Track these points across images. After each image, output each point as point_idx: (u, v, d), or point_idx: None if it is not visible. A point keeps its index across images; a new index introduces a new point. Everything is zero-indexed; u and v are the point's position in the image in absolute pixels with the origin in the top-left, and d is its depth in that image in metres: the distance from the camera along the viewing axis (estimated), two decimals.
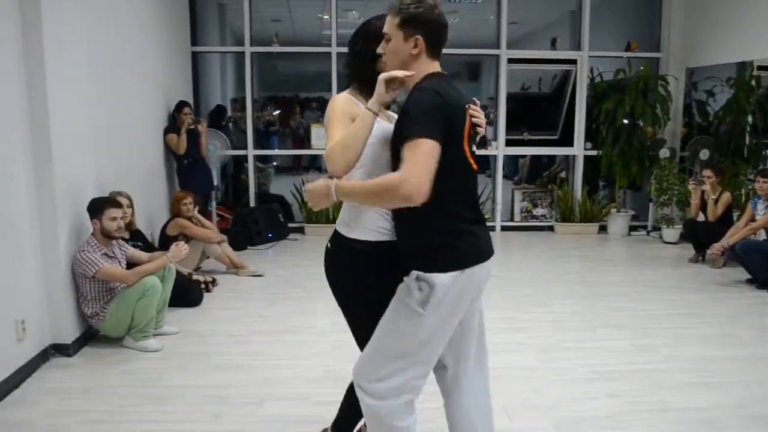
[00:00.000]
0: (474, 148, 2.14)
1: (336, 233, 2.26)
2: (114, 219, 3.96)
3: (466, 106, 2.08)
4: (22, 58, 3.58)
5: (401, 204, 1.89)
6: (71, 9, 3.96)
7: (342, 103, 2.14)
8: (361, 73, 2.22)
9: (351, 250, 2.20)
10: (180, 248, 4.14)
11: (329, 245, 2.27)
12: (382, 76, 2.02)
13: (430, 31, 2.03)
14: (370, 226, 2.17)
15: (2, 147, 3.40)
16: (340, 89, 8.94)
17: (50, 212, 3.75)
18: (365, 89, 2.16)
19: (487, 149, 8.05)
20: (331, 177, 2.02)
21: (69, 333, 3.89)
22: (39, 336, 3.73)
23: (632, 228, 7.98)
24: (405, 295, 2.06)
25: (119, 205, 4.10)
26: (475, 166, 2.14)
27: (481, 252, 2.24)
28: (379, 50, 2.09)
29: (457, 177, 2.04)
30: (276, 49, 7.89)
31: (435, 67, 2.09)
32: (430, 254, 2.06)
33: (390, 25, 2.05)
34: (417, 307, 2.04)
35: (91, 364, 3.80)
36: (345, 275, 2.26)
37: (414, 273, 2.04)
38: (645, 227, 8.03)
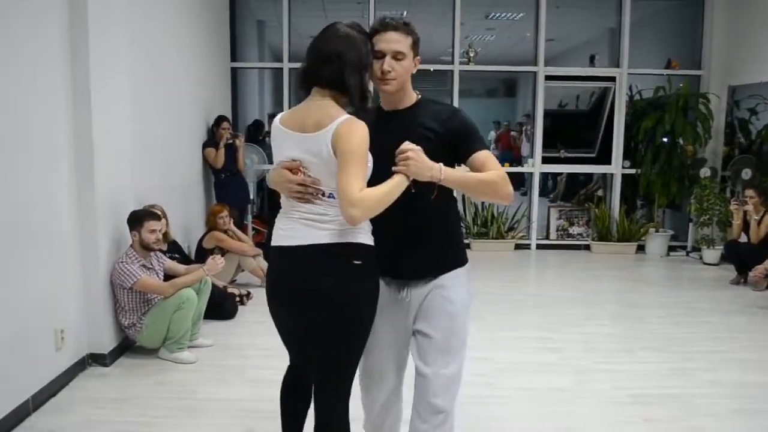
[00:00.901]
0: None
1: (349, 245, 2.06)
2: (153, 231, 4.04)
3: None
4: (69, 73, 3.69)
5: (499, 200, 2.25)
6: (115, 24, 4.07)
7: (365, 133, 1.98)
8: (352, 84, 2.06)
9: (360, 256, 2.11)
10: (216, 261, 4.20)
11: (355, 262, 2.06)
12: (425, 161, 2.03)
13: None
14: (368, 228, 2.13)
15: (46, 159, 3.50)
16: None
17: (91, 224, 3.84)
18: (346, 99, 2.09)
19: None
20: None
21: (106, 343, 3.97)
22: (77, 345, 3.80)
23: (671, 248, 7.83)
24: (466, 297, 2.30)
25: (158, 218, 4.18)
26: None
27: None
28: (386, 67, 2.09)
29: None
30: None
31: None
32: (460, 250, 2.35)
33: (404, 45, 2.13)
34: (469, 301, 2.31)
35: (127, 375, 3.86)
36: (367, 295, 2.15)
37: (458, 271, 2.27)
38: (684, 248, 7.86)
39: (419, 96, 2.23)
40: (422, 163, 2.00)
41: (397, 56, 2.10)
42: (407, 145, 2.01)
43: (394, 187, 1.99)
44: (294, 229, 2.09)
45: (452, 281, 2.25)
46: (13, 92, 3.18)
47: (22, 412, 3.21)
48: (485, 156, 2.15)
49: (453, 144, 2.14)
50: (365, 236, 2.09)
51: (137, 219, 4.07)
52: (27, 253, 3.29)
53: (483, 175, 2.12)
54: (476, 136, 2.19)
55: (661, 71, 7.96)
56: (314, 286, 2.06)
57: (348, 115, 2.01)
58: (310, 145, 2.02)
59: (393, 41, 2.11)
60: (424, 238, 2.21)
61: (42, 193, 3.44)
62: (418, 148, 2.02)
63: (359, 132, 1.97)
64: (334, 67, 2.02)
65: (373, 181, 1.99)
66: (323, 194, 2.05)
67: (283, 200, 2.17)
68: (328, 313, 2.07)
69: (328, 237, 2.05)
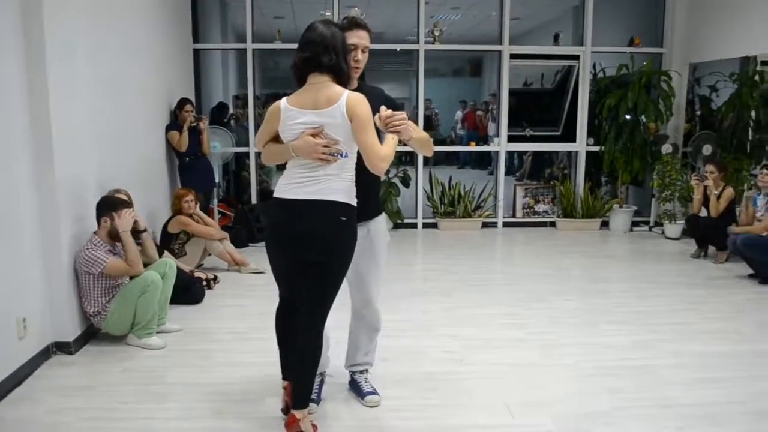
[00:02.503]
0: None
1: (343, 205, 2.65)
2: (132, 218, 4.03)
3: None
4: (23, 55, 3.58)
5: (429, 153, 3.18)
6: (72, 5, 3.96)
7: (367, 102, 2.58)
8: (344, 69, 2.66)
9: (354, 216, 2.71)
10: (124, 215, 4.00)
11: (343, 218, 2.64)
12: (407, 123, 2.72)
13: None
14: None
15: (3, 145, 3.40)
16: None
17: (52, 210, 3.76)
18: (338, 80, 2.64)
19: None
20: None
21: (70, 331, 3.90)
22: (41, 334, 3.74)
23: (634, 224, 7.98)
24: (385, 233, 3.12)
25: (130, 206, 4.11)
26: None
27: None
28: (359, 57, 2.82)
29: None
30: (278, 45, 7.88)
31: None
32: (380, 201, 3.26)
33: (368, 41, 2.87)
34: (388, 237, 3.18)
35: (93, 362, 3.81)
36: (353, 242, 2.75)
37: (383, 216, 3.14)
38: (647, 223, 8.02)
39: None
40: (408, 126, 2.69)
41: (364, 50, 2.84)
42: (394, 112, 2.65)
43: (395, 145, 2.66)
44: (301, 185, 2.65)
45: (378, 223, 3.08)
46: None
47: None
48: (414, 124, 2.84)
49: None
50: (353, 198, 2.70)
51: (110, 205, 4.00)
52: None
53: (425, 135, 3.00)
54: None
55: (624, 49, 8.04)
56: (317, 233, 2.63)
57: (349, 90, 2.61)
58: (326, 117, 2.57)
59: (363, 38, 2.83)
60: (375, 189, 3.09)
61: (0, 181, 3.35)
62: (403, 113, 2.67)
63: (365, 101, 2.57)
64: (332, 56, 2.59)
65: None
66: (341, 154, 2.60)
67: (291, 162, 2.70)
68: (325, 257, 2.65)
69: (330, 195, 2.62)
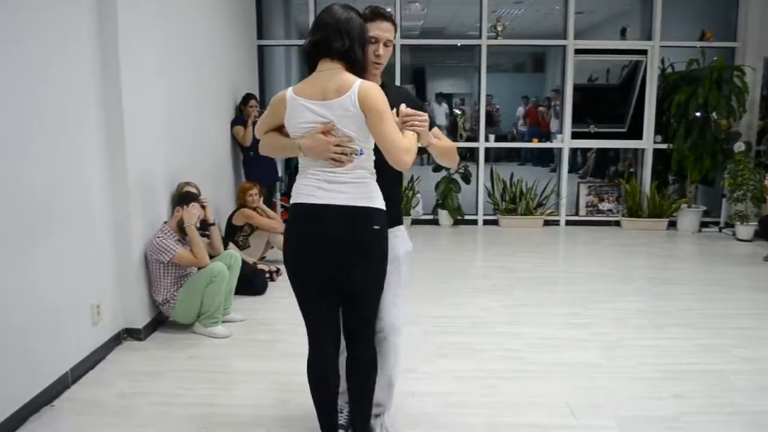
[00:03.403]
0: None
1: (376, 210, 2.34)
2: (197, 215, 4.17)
3: None
4: (98, 53, 3.73)
5: (451, 164, 2.83)
6: (144, 6, 4.10)
7: (382, 91, 2.27)
8: (359, 58, 2.35)
9: (386, 223, 2.40)
10: (191, 210, 4.17)
11: (378, 227, 2.34)
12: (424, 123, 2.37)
13: None
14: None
15: (78, 138, 3.55)
16: (403, 81, 8.83)
17: (123, 200, 3.90)
18: (354, 72, 2.33)
19: None
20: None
21: (140, 318, 4.05)
22: (113, 320, 3.89)
23: (703, 224, 7.72)
24: (407, 242, 2.69)
25: (203, 204, 4.32)
26: None
27: None
28: (380, 52, 2.47)
29: None
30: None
31: None
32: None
33: (392, 34, 2.51)
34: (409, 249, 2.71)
35: (161, 349, 3.95)
36: (387, 252, 2.45)
37: (403, 228, 2.70)
38: (717, 224, 7.75)
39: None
40: (428, 128, 2.40)
41: (387, 43, 2.50)
42: (415, 111, 2.36)
43: (416, 140, 2.35)
44: (320, 190, 2.33)
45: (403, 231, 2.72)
46: (42, 74, 3.22)
47: (62, 385, 3.31)
48: (438, 132, 2.65)
49: None
50: (382, 201, 2.38)
51: (183, 198, 4.23)
52: (62, 231, 3.36)
53: (449, 144, 2.68)
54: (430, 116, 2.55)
55: (695, 43, 7.78)
56: (352, 237, 2.32)
57: (362, 79, 2.28)
58: (336, 109, 2.25)
59: (386, 30, 2.49)
60: (399, 192, 2.75)
61: (75, 171, 3.50)
62: (425, 114, 2.38)
63: (380, 90, 2.26)
64: (344, 41, 2.28)
65: None
66: (356, 153, 2.29)
67: (303, 163, 2.40)
68: (363, 260, 2.36)
69: (355, 200, 2.31)
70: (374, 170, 2.37)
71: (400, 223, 2.69)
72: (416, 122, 2.33)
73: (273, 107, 2.40)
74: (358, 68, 2.33)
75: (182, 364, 3.72)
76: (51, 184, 3.25)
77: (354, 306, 2.46)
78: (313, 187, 2.33)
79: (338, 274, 2.37)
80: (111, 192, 3.86)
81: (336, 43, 2.28)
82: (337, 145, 2.26)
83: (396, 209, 2.65)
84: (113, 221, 3.89)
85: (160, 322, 4.28)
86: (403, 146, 2.24)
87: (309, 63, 2.36)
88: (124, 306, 4.00)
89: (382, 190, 2.38)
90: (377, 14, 2.49)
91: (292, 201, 2.40)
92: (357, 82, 2.24)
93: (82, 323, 3.57)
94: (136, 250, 4.01)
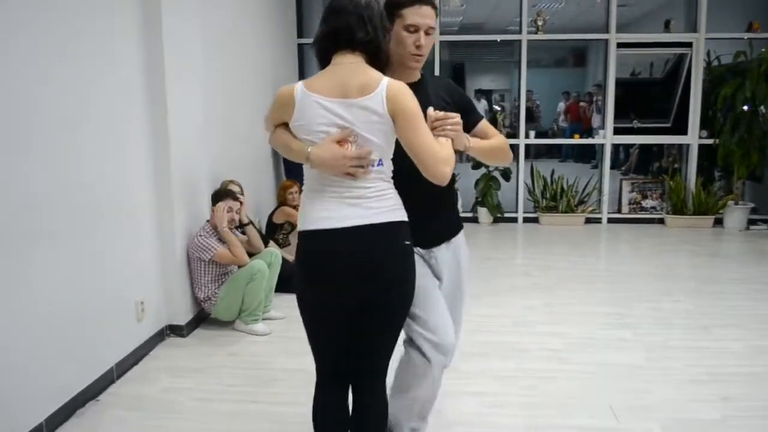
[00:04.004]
0: None
1: (402, 225, 2.01)
2: (230, 210, 4.20)
3: None
4: (144, 53, 3.80)
5: (504, 163, 2.52)
6: (187, 6, 4.15)
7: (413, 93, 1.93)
8: (383, 49, 2.01)
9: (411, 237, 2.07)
10: (219, 209, 4.19)
11: (406, 243, 2.01)
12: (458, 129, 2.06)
13: None
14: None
15: (124, 138, 3.62)
16: (442, 75, 8.85)
17: (167, 199, 3.97)
18: (377, 67, 1.99)
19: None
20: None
21: (183, 315, 4.12)
22: (156, 317, 3.97)
23: (751, 221, 7.50)
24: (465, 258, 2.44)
25: (237, 199, 4.33)
26: None
27: None
28: (422, 42, 2.14)
29: None
30: None
31: None
32: (458, 211, 2.52)
33: (434, 21, 2.17)
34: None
35: (203, 345, 4.01)
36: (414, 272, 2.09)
37: (462, 230, 2.45)
38: (766, 221, 7.52)
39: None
40: (461, 131, 2.08)
41: (429, 31, 2.15)
42: (446, 113, 2.03)
43: (451, 148, 2.02)
44: (338, 210, 1.95)
45: (461, 240, 2.45)
46: (90, 72, 3.29)
47: (107, 380, 3.38)
48: (486, 125, 2.37)
49: (461, 114, 2.12)
50: (405, 213, 2.04)
51: (216, 196, 4.26)
52: (108, 227, 3.43)
53: (494, 142, 2.34)
54: (475, 107, 2.39)
55: (742, 35, 7.56)
56: (374, 262, 1.96)
57: (386, 77, 1.93)
58: (359, 111, 1.89)
59: (427, 16, 2.14)
60: (441, 204, 2.33)
61: (120, 169, 3.57)
62: (457, 115, 2.05)
63: (410, 91, 1.92)
64: (368, 30, 1.94)
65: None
66: (373, 164, 1.94)
67: (311, 176, 2.02)
68: (390, 293, 2.02)
69: (380, 216, 1.96)
70: (392, 179, 2.03)
71: (461, 227, 2.46)
72: (447, 126, 2.00)
73: (279, 105, 2.02)
74: (383, 63, 2.01)
75: (223, 360, 3.77)
76: (99, 183, 3.33)
77: (372, 347, 2.11)
78: (331, 209, 1.96)
79: (361, 309, 2.02)
80: (156, 191, 3.93)
81: (359, 33, 1.93)
82: (356, 158, 1.90)
83: (455, 211, 2.50)
84: (158, 219, 3.96)
85: (201, 318, 4.35)
86: (442, 156, 1.92)
87: (322, 57, 2.02)
88: (167, 303, 4.06)
89: (429, 199, 2.16)
90: None
91: (303, 227, 2.01)
92: (384, 80, 1.90)
93: (127, 319, 3.65)
94: (179, 248, 4.08)
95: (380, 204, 1.96)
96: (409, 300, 2.07)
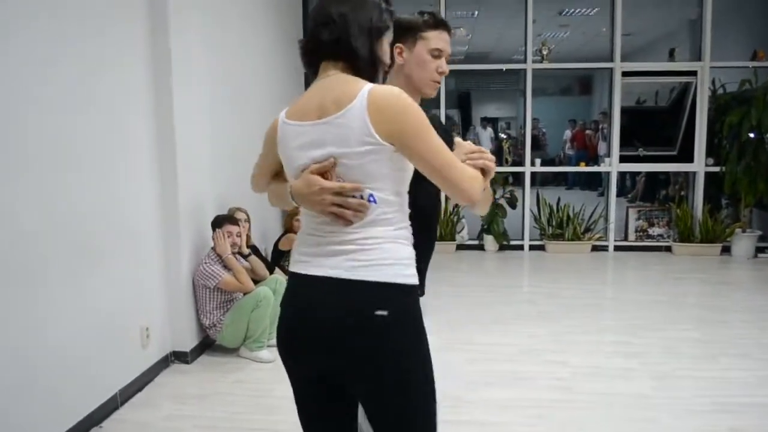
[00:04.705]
0: None
1: (387, 287, 1.52)
2: (230, 235, 4.18)
3: None
4: (153, 81, 3.86)
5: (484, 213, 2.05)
6: (193, 31, 4.22)
7: (410, 98, 1.54)
8: (370, 54, 1.62)
9: (415, 301, 1.59)
10: (218, 236, 4.20)
11: (383, 312, 1.50)
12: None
13: None
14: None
15: (132, 164, 3.67)
16: (449, 105, 8.82)
17: (173, 226, 4.00)
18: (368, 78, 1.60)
19: None
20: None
21: (188, 342, 4.12)
22: (161, 343, 3.97)
23: (759, 249, 7.46)
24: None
25: (236, 222, 4.32)
26: None
27: None
28: (445, 68, 1.95)
29: None
30: None
31: None
32: None
33: (449, 45, 1.98)
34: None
35: (207, 372, 4.00)
36: (420, 338, 1.61)
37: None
38: None
39: None
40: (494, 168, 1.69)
41: (448, 58, 2.00)
42: (481, 148, 1.68)
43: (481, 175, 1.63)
44: (319, 252, 1.58)
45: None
46: (99, 101, 3.34)
47: (110, 406, 3.37)
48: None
49: None
50: (408, 273, 1.57)
51: (218, 222, 4.25)
52: (115, 254, 3.46)
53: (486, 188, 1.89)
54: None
55: (747, 63, 7.60)
56: (334, 330, 1.53)
57: (373, 84, 1.55)
58: (337, 132, 1.51)
59: (449, 43, 1.99)
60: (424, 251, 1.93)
61: (128, 196, 3.61)
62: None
63: (407, 99, 1.51)
64: (335, 28, 1.57)
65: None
66: (363, 198, 1.53)
67: (303, 216, 1.68)
68: (372, 383, 1.57)
69: (360, 272, 1.52)
70: (408, 227, 1.61)
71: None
72: (486, 159, 1.63)
73: (266, 141, 1.76)
74: (369, 71, 1.60)
75: (228, 387, 3.76)
76: (106, 210, 3.36)
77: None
78: (304, 251, 1.62)
79: (343, 384, 1.63)
80: (163, 217, 3.96)
81: (323, 35, 1.58)
82: (337, 194, 1.52)
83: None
84: (164, 246, 3.98)
85: (206, 345, 4.34)
86: (469, 173, 1.55)
87: (310, 71, 1.68)
88: (172, 329, 4.07)
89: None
90: (441, 23, 1.94)
91: (290, 267, 1.69)
92: (366, 87, 1.50)
93: (132, 345, 3.65)
94: (185, 275, 4.09)
95: (360, 256, 1.53)
96: (405, 387, 1.56)
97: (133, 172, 3.67)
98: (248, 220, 4.73)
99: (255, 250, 4.88)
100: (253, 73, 5.72)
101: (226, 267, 4.18)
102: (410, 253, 1.59)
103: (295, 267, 1.63)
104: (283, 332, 1.65)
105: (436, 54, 1.94)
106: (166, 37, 3.86)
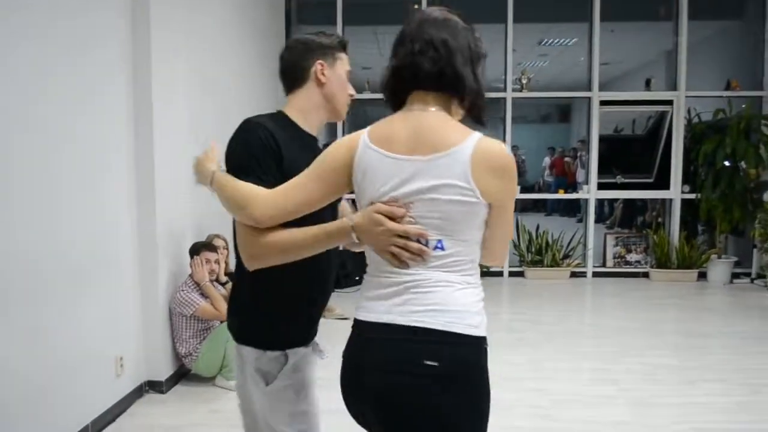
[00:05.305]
0: None
1: (463, 338, 1.41)
2: (208, 262, 4.14)
3: None
4: (131, 103, 3.83)
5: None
6: (175, 57, 4.22)
7: None
8: (466, 77, 1.49)
9: (483, 355, 1.47)
10: (195, 262, 4.17)
11: (434, 363, 1.38)
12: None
13: None
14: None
15: (109, 191, 3.63)
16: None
17: (151, 253, 3.95)
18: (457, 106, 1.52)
19: None
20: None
21: (163, 371, 4.05)
22: (135, 373, 3.89)
23: (735, 275, 7.54)
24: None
25: (214, 249, 4.28)
26: None
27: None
28: (353, 92, 1.90)
29: None
30: (368, 96, 8.08)
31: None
32: None
33: None
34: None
35: (182, 402, 3.93)
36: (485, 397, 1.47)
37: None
38: (749, 275, 7.57)
39: None
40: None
41: None
42: None
43: None
44: (376, 298, 1.49)
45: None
46: (74, 123, 3.31)
47: None
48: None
49: None
50: (477, 323, 1.46)
51: (195, 250, 4.20)
52: (89, 281, 3.40)
53: None
54: None
55: (721, 93, 7.75)
56: (386, 388, 1.43)
57: (480, 134, 1.44)
58: (432, 172, 1.39)
59: None
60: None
61: (104, 222, 3.56)
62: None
63: (513, 161, 1.47)
64: (438, 56, 1.43)
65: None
66: (429, 245, 1.43)
67: (368, 258, 1.56)
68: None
69: (420, 317, 1.41)
70: (476, 271, 1.49)
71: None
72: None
73: (326, 161, 1.52)
74: (471, 97, 1.48)
75: (203, 418, 3.69)
76: (80, 236, 3.31)
77: None
78: (371, 297, 1.50)
79: None
80: (139, 244, 3.91)
81: (424, 64, 1.44)
82: (401, 236, 1.42)
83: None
84: (140, 273, 3.93)
85: (182, 374, 4.27)
86: (507, 240, 1.54)
87: (393, 105, 1.53)
88: (147, 358, 4.00)
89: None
90: (346, 46, 1.90)
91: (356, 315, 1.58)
92: (475, 135, 1.42)
93: (105, 375, 3.58)
94: (161, 302, 4.04)
95: (418, 298, 1.42)
96: None
97: (108, 197, 3.62)
98: (227, 248, 4.67)
99: (233, 278, 4.83)
100: (234, 97, 5.71)
101: (204, 295, 4.13)
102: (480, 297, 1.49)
103: (362, 312, 1.52)
104: (341, 380, 1.58)
105: (348, 76, 1.88)
106: (148, 60, 3.85)
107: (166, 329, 4.11)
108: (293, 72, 1.84)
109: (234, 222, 1.69)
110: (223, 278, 4.43)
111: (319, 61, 1.81)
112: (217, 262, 4.30)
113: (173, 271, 4.20)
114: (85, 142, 3.39)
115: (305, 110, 1.84)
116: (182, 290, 4.08)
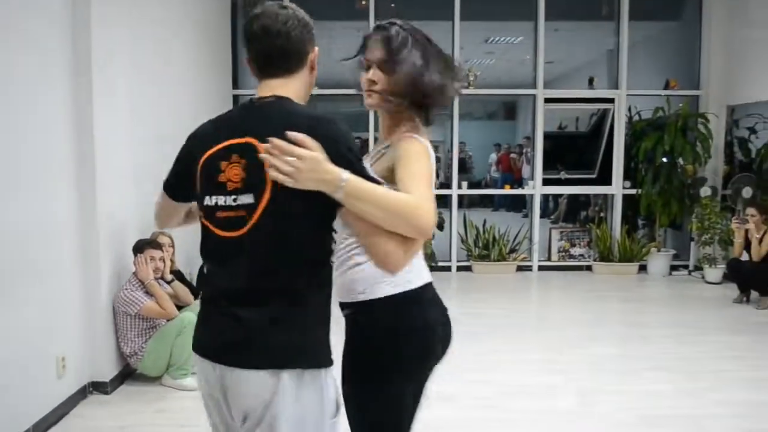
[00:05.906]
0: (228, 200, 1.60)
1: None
2: (152, 259, 4.05)
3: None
4: (71, 98, 3.71)
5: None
6: (118, 52, 4.11)
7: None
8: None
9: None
10: (140, 264, 4.07)
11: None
12: None
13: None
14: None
15: (48, 187, 3.51)
16: (376, 126, 8.93)
17: (93, 252, 3.84)
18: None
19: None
20: None
21: (107, 371, 3.94)
22: (78, 373, 3.78)
23: (673, 267, 7.81)
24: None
25: (159, 247, 4.18)
26: (220, 233, 1.63)
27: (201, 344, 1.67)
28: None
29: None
30: (315, 91, 8.01)
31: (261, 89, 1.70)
32: None
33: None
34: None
35: (128, 402, 3.83)
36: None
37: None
38: (687, 267, 7.84)
39: None
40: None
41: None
42: None
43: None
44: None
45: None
46: (12, 115, 3.19)
47: None
48: None
49: None
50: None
51: (139, 247, 4.09)
52: (28, 280, 3.28)
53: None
54: None
55: (660, 92, 8.00)
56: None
57: None
58: None
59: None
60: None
61: (43, 220, 3.44)
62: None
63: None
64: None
65: None
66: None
67: None
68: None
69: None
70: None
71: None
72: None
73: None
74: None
75: (150, 418, 3.61)
76: (19, 232, 3.19)
77: None
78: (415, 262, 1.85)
79: None
80: (81, 241, 3.79)
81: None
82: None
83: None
84: (82, 271, 3.81)
85: (127, 374, 4.17)
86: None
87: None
88: (90, 358, 3.88)
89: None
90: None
91: (423, 280, 1.84)
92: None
93: (47, 376, 3.46)
94: (105, 301, 3.93)
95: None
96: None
97: (48, 193, 3.50)
98: (172, 245, 4.59)
99: (179, 275, 4.73)
100: (175, 95, 5.59)
101: (148, 293, 4.04)
102: None
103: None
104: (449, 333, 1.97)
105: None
106: (88, 56, 3.75)
107: (110, 328, 4.00)
108: (297, 54, 1.64)
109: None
110: (169, 276, 4.34)
111: (316, 47, 1.70)
112: (162, 260, 4.20)
113: (117, 268, 4.09)
114: (26, 139, 3.28)
115: (300, 98, 1.69)
116: (126, 289, 3.98)
